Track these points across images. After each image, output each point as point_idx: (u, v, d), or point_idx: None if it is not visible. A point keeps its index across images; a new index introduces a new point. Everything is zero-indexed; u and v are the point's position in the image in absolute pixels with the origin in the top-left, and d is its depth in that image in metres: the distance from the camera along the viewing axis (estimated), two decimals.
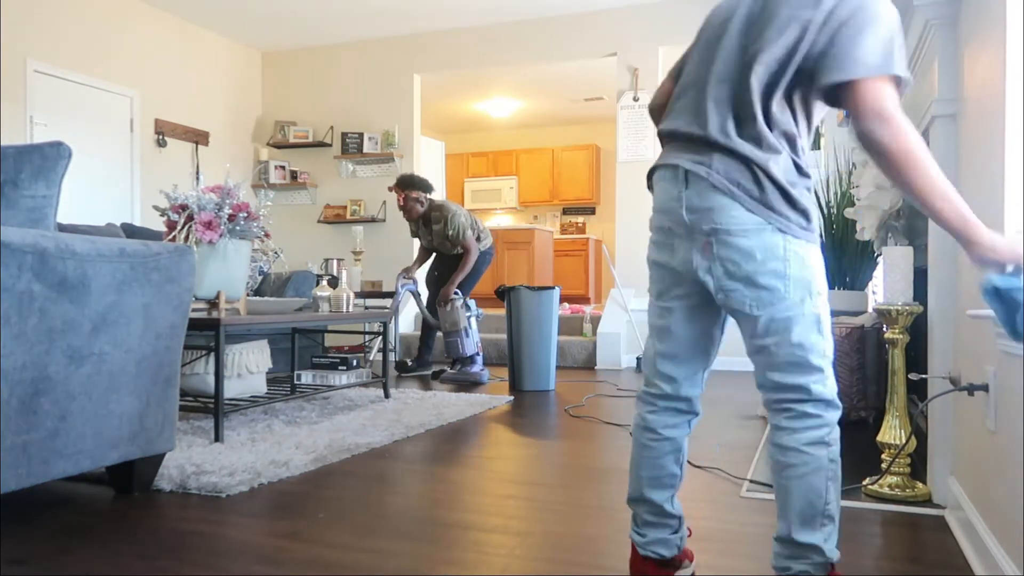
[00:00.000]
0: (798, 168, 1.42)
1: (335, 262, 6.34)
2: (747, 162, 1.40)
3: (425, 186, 5.24)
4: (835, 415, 1.43)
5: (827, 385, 1.43)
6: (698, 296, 1.51)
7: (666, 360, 1.56)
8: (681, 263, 1.48)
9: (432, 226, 5.29)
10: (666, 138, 1.56)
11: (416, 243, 6.73)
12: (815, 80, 1.37)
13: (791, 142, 1.42)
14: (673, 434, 1.58)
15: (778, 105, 1.41)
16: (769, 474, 2.58)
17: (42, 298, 1.84)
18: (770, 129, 1.40)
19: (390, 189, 5.37)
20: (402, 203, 5.21)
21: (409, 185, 5.20)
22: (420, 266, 5.58)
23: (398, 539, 1.96)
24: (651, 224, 1.56)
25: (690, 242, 1.45)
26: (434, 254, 5.60)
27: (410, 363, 5.69)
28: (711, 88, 1.46)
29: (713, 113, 1.45)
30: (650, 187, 1.58)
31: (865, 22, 1.34)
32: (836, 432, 1.43)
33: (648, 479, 1.58)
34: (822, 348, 1.43)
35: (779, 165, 1.40)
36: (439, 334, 5.57)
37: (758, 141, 1.40)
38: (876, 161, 1.36)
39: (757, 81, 1.40)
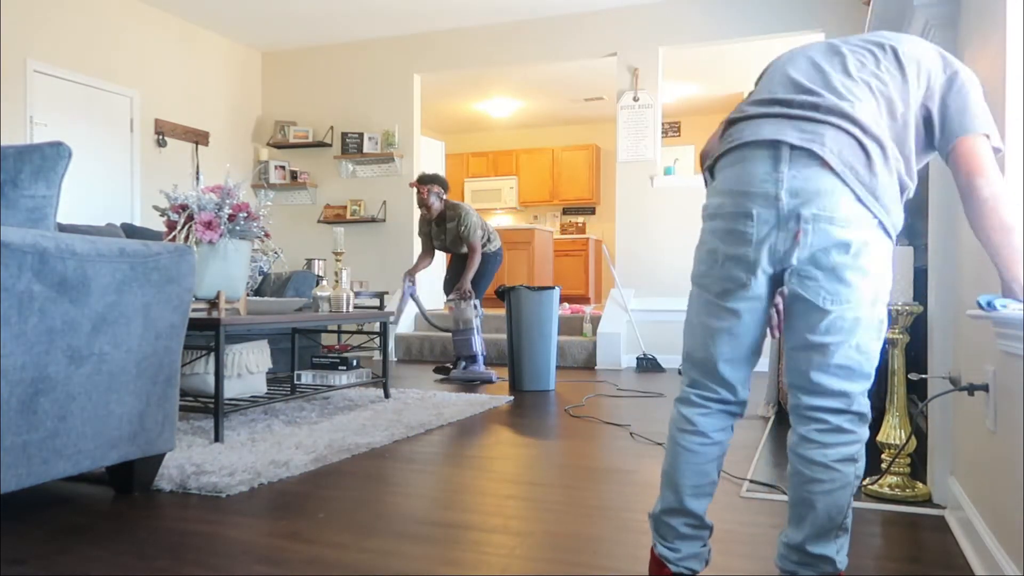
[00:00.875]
0: (908, 169, 1.38)
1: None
2: (862, 142, 1.31)
3: (445, 183, 5.45)
4: (866, 431, 1.37)
5: (866, 397, 1.37)
6: (769, 296, 1.40)
7: (727, 365, 1.44)
8: (759, 253, 1.34)
9: (447, 224, 5.43)
10: (758, 106, 1.42)
11: (417, 244, 6.73)
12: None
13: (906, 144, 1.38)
14: (722, 438, 1.48)
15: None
16: (769, 474, 2.59)
17: (42, 298, 1.84)
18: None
19: (412, 185, 5.48)
20: (424, 197, 5.35)
21: (432, 181, 5.38)
22: (420, 269, 5.66)
23: (398, 539, 1.96)
24: (713, 210, 1.42)
25: (778, 229, 1.31)
26: (448, 257, 5.67)
27: (451, 366, 5.69)
28: (829, 68, 1.41)
29: (833, 78, 1.37)
30: (709, 170, 1.47)
31: None
32: (864, 448, 1.38)
33: (691, 488, 1.46)
34: (876, 356, 1.37)
35: (894, 151, 1.33)
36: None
37: (879, 115, 1.34)
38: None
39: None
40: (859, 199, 1.30)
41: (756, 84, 1.54)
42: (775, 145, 1.33)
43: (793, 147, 1.31)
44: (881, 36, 1.45)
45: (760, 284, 1.38)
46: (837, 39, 1.48)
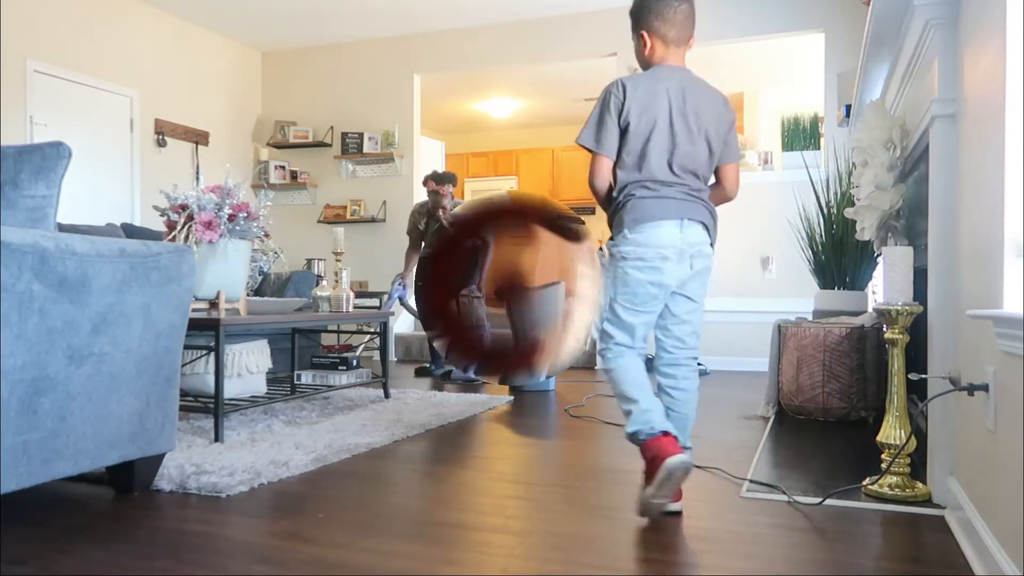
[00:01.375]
0: None
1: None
2: (711, 210, 2.22)
3: (456, 180, 5.29)
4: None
5: None
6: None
7: (645, 328, 2.22)
8: (671, 277, 2.16)
9: None
10: (657, 188, 2.16)
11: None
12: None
13: None
14: (639, 362, 2.21)
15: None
16: (769, 474, 2.59)
17: (42, 298, 1.84)
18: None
19: (427, 185, 5.24)
20: (443, 197, 5.15)
21: (448, 180, 5.17)
22: (411, 270, 5.52)
23: (398, 539, 1.96)
24: (647, 255, 2.13)
25: (679, 262, 2.16)
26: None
27: (430, 366, 5.60)
28: (685, 159, 2.17)
29: (693, 177, 2.20)
30: (627, 223, 2.15)
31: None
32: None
33: (635, 383, 2.15)
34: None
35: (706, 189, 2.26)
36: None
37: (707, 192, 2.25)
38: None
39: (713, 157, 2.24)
40: (712, 240, 2.24)
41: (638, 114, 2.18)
42: (680, 220, 2.16)
43: (689, 220, 2.17)
44: (720, 98, 2.24)
45: (668, 291, 2.22)
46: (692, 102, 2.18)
